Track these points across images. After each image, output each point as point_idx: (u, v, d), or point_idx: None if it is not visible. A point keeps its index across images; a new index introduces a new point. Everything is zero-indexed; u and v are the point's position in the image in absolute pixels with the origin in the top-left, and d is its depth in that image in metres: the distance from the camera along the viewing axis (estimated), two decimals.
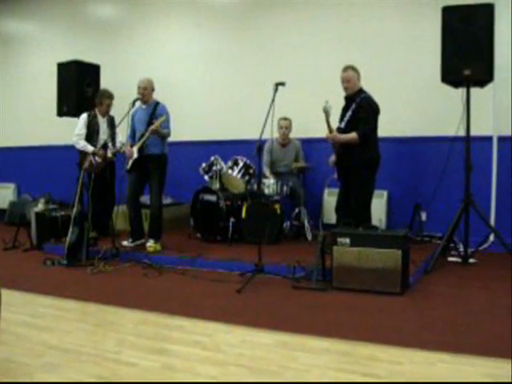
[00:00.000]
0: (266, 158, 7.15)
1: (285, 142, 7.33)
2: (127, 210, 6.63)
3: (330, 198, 6.95)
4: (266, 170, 7.15)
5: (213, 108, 8.30)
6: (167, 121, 6.38)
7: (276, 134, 7.05)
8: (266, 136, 5.49)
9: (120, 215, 6.94)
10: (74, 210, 6.25)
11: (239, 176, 6.95)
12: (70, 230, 6.16)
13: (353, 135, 5.68)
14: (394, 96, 6.89)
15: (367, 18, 7.25)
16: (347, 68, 5.84)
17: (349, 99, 5.87)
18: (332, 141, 5.85)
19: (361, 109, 5.73)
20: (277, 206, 6.65)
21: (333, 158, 5.98)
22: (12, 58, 10.11)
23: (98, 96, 7.02)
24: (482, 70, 5.51)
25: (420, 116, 6.96)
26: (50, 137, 9.29)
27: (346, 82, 5.84)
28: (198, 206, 7.02)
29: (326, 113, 5.69)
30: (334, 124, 5.86)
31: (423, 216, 6.70)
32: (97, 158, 6.62)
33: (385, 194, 7.06)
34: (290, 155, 7.36)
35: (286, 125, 7.24)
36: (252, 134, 6.12)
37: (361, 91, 5.83)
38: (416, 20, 6.93)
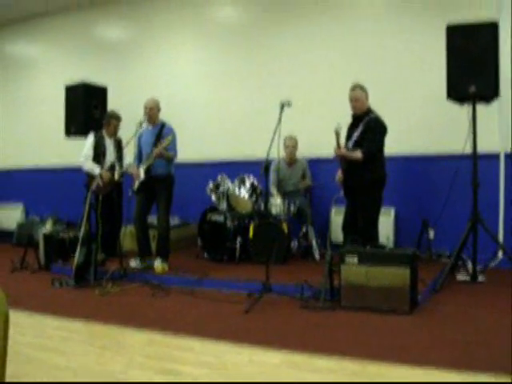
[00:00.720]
0: (272, 177, 7.14)
1: (291, 161, 7.33)
2: (135, 230, 6.64)
3: (337, 217, 6.90)
4: (273, 190, 7.14)
5: (220, 128, 8.34)
6: (173, 142, 6.41)
7: (283, 153, 7.07)
8: (272, 155, 5.50)
9: (128, 235, 6.96)
10: (82, 230, 6.26)
11: (246, 196, 6.95)
12: (78, 250, 6.16)
13: (357, 154, 5.69)
14: (400, 114, 6.91)
15: (372, 36, 7.29)
16: (355, 87, 5.85)
17: (356, 118, 5.88)
18: (340, 157, 5.86)
19: (368, 129, 5.74)
20: (284, 226, 6.65)
21: (339, 173, 5.98)
22: (19, 79, 10.21)
23: (106, 117, 7.05)
24: (488, 86, 5.52)
25: (426, 133, 6.96)
26: (58, 158, 9.37)
27: (354, 101, 5.84)
28: (206, 226, 7.03)
29: (337, 134, 5.72)
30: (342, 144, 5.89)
31: (431, 234, 6.66)
32: (104, 180, 6.62)
33: (392, 211, 7.05)
34: (296, 174, 7.36)
35: (292, 144, 7.23)
36: (259, 154, 6.14)
37: (369, 111, 5.83)
38: (421, 38, 6.96)
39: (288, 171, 7.34)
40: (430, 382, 3.16)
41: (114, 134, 7.03)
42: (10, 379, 1.77)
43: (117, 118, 7.00)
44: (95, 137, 6.92)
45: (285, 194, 7.13)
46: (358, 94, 5.83)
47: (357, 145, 5.78)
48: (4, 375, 1.70)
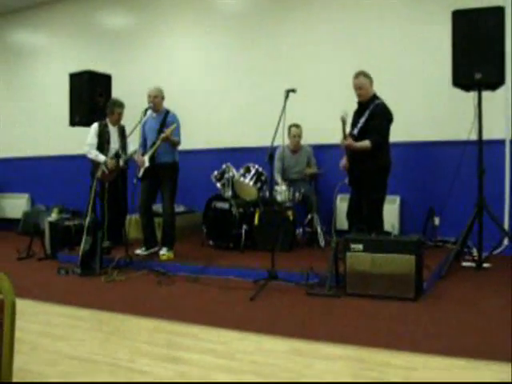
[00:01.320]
0: (277, 164, 7.09)
1: (296, 148, 7.29)
2: (140, 218, 6.65)
3: (342, 204, 6.90)
4: (278, 177, 7.11)
5: (224, 116, 8.32)
6: (177, 129, 6.40)
7: (287, 141, 7.04)
8: (277, 142, 5.48)
9: (133, 224, 6.97)
10: (87, 218, 6.28)
11: (251, 183, 6.93)
12: (84, 238, 6.18)
13: (366, 143, 5.64)
14: (406, 101, 6.87)
15: (377, 24, 7.24)
16: (359, 74, 5.80)
17: (362, 105, 5.84)
18: (348, 148, 5.81)
19: (374, 116, 5.70)
20: (289, 213, 6.64)
21: (344, 161, 5.95)
22: (23, 69, 10.22)
23: (109, 105, 7.03)
24: (493, 73, 5.49)
25: (432, 120, 6.93)
26: (63, 147, 9.38)
27: (358, 88, 5.79)
28: (211, 213, 7.03)
29: (343, 122, 5.69)
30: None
31: (436, 221, 6.66)
32: (109, 167, 6.63)
33: (397, 199, 7.03)
34: (301, 161, 7.33)
35: (297, 133, 7.17)
36: (264, 141, 6.12)
37: (374, 97, 5.79)
38: (426, 24, 6.91)
39: (292, 159, 7.31)
40: (437, 370, 3.16)
41: (117, 121, 7.02)
42: (16, 368, 1.77)
43: (120, 106, 6.99)
44: (99, 126, 6.92)
45: (290, 182, 7.10)
46: (361, 81, 5.78)
47: (362, 131, 5.74)
48: (12, 363, 1.71)
